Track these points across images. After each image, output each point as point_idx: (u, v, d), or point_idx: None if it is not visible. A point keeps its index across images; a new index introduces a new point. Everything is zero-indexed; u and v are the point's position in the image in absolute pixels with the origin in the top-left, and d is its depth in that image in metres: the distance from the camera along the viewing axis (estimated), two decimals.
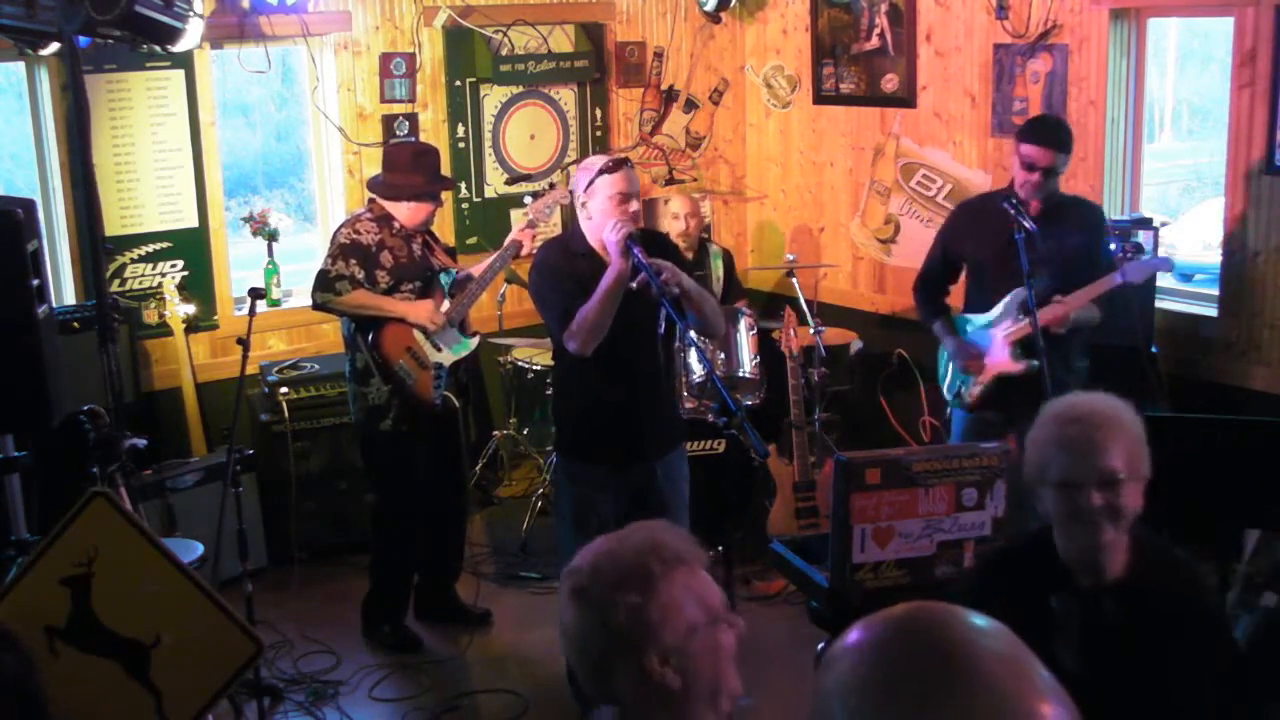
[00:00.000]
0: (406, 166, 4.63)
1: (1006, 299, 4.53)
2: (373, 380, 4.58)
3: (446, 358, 4.68)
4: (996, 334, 4.60)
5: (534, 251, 4.99)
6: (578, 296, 3.78)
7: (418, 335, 4.61)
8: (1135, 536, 2.40)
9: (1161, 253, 5.32)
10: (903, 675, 0.96)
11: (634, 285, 3.69)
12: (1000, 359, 4.59)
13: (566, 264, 3.87)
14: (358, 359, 4.62)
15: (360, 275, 4.52)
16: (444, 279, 4.71)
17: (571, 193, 3.97)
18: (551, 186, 5.56)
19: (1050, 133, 4.44)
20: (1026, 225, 4.26)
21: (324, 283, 4.52)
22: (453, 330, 4.68)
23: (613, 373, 3.85)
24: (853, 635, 1.03)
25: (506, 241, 4.77)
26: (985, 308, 4.64)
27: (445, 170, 6.20)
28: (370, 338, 4.56)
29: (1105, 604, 2.37)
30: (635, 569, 1.74)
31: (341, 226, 4.65)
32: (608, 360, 3.82)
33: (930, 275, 4.85)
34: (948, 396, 4.83)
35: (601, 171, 3.79)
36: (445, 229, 6.27)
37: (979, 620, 1.01)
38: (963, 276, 4.85)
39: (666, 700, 1.74)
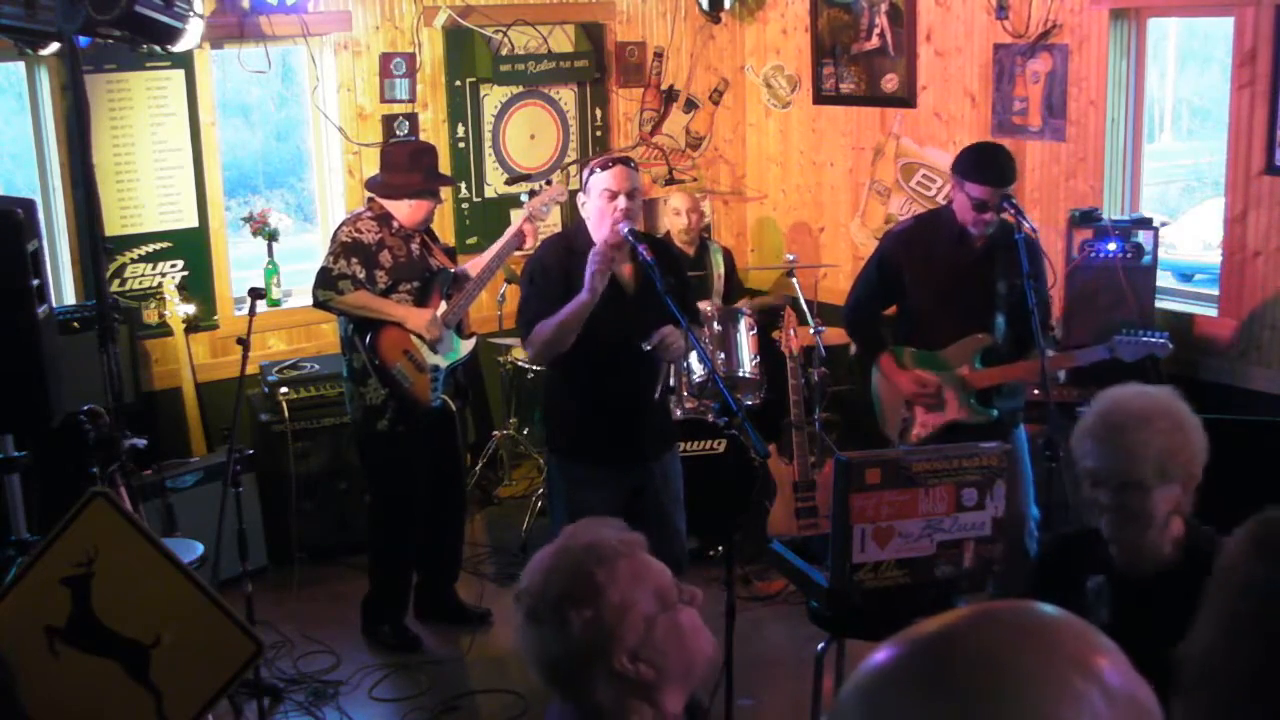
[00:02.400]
0: (405, 165, 4.63)
1: (969, 340, 4.29)
2: (370, 380, 4.58)
3: (444, 360, 4.67)
4: (948, 378, 4.36)
5: (531, 249, 5.00)
6: (548, 306, 3.83)
7: (415, 339, 4.60)
8: (1191, 530, 2.42)
9: (1162, 253, 5.32)
10: (944, 676, 0.96)
11: (632, 306, 3.77)
12: (954, 407, 4.36)
13: (563, 264, 3.87)
14: (355, 359, 4.61)
15: (361, 274, 4.51)
16: (442, 278, 4.70)
17: (574, 191, 3.99)
18: (548, 184, 5.55)
19: (1002, 171, 4.19)
20: (1026, 226, 4.17)
21: (326, 280, 4.52)
22: (450, 332, 4.68)
23: (606, 372, 3.85)
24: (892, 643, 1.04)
25: (509, 233, 4.76)
26: (932, 342, 4.39)
27: (445, 170, 6.21)
28: (368, 340, 4.55)
29: (1142, 594, 2.39)
30: (579, 579, 1.74)
31: (342, 225, 4.65)
32: (602, 360, 3.82)
33: (865, 302, 4.56)
34: (893, 435, 4.60)
35: (595, 169, 3.83)
36: (445, 229, 6.27)
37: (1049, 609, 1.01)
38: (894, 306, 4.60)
39: (644, 691, 1.76)
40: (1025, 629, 0.93)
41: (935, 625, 0.96)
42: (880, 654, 0.97)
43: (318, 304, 4.60)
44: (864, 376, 6.36)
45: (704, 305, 5.39)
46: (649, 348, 3.78)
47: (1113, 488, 2.35)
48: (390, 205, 4.62)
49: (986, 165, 4.20)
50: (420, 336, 4.59)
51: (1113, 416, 2.36)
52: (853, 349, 6.28)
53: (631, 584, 1.76)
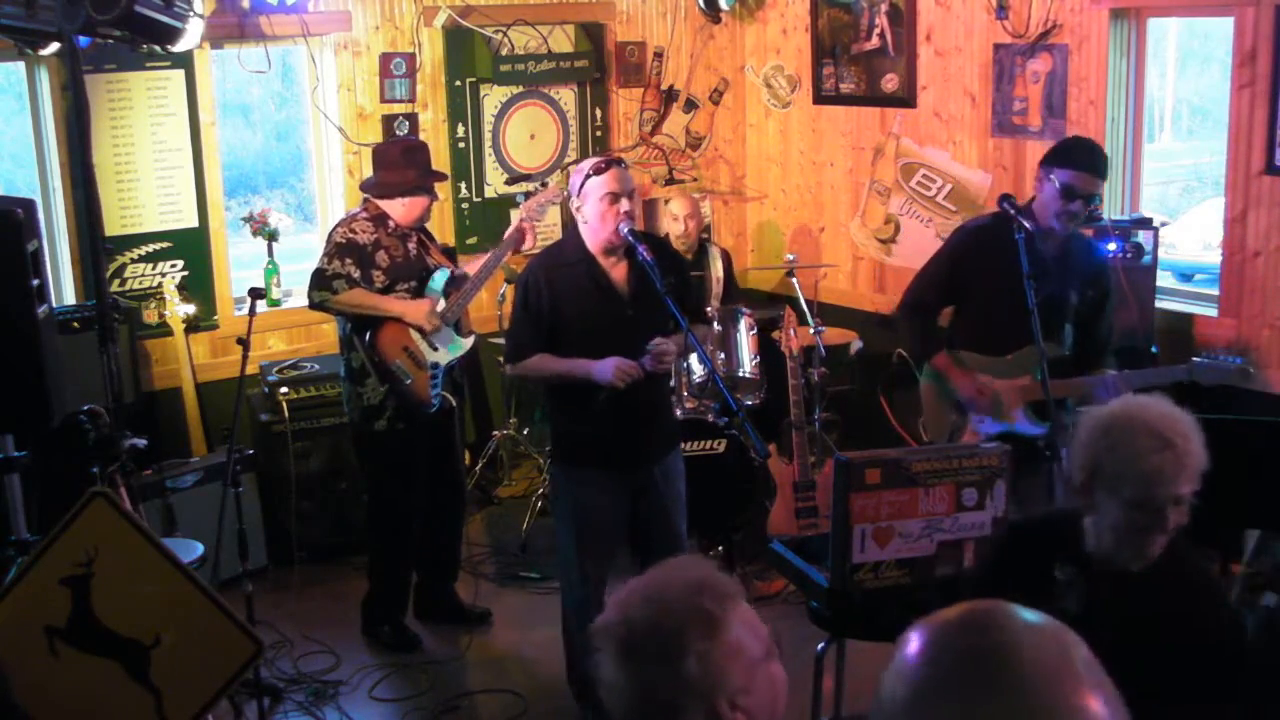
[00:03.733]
0: (398, 162, 4.63)
1: (1030, 350, 3.96)
2: (368, 380, 4.58)
3: (443, 357, 4.67)
4: (1008, 387, 4.17)
5: (532, 249, 5.00)
6: (533, 331, 3.88)
7: (414, 335, 4.60)
8: (1172, 535, 2.43)
9: (1162, 253, 5.32)
10: (947, 678, 0.97)
11: (630, 312, 3.81)
12: (1010, 416, 4.17)
13: (550, 281, 3.87)
14: (354, 359, 4.61)
15: (356, 274, 4.51)
16: (438, 278, 4.70)
17: (568, 196, 3.97)
18: (544, 185, 5.53)
19: (1094, 159, 4.05)
20: (1026, 225, 4.12)
21: (320, 281, 4.51)
22: (449, 330, 4.68)
23: None
24: (912, 640, 1.04)
25: (509, 233, 4.76)
26: (994, 349, 4.19)
27: (445, 170, 6.21)
28: (367, 337, 4.55)
29: (1115, 586, 2.40)
30: (696, 613, 1.65)
31: (337, 226, 4.65)
32: None
33: (927, 304, 4.36)
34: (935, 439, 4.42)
35: (591, 174, 3.80)
36: (445, 229, 6.28)
37: (1030, 617, 1.01)
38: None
39: None
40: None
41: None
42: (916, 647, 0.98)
43: (313, 305, 4.60)
44: (869, 380, 6.39)
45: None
46: (649, 368, 3.81)
47: (1171, 504, 2.33)
48: (385, 205, 4.62)
49: (1081, 151, 4.09)
50: (420, 331, 4.59)
51: (1170, 443, 2.32)
52: (850, 350, 6.29)
53: (743, 626, 1.68)
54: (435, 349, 4.65)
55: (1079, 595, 2.40)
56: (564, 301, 3.86)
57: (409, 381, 4.57)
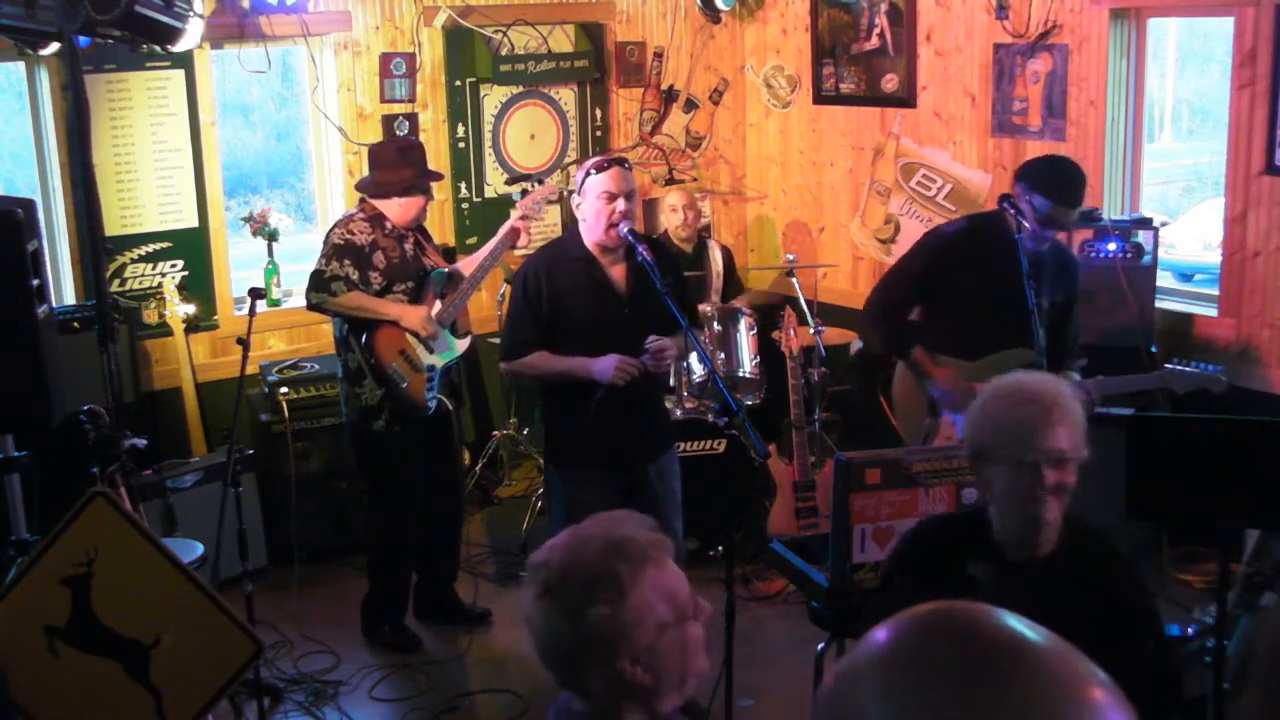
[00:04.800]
0: (394, 162, 4.63)
1: (1011, 354, 4.03)
2: (365, 381, 4.58)
3: (439, 360, 4.67)
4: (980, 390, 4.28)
5: (526, 249, 4.99)
6: (539, 326, 3.88)
7: (411, 337, 4.60)
8: (1068, 517, 2.48)
9: (1162, 253, 5.32)
10: (944, 673, 0.94)
11: (626, 310, 3.80)
12: None
13: (549, 277, 3.87)
14: (350, 360, 4.61)
15: (354, 276, 4.51)
16: (435, 277, 4.70)
17: (567, 193, 3.98)
18: (540, 183, 5.51)
19: (1079, 188, 4.11)
20: (1026, 225, 4.13)
21: (319, 283, 4.51)
22: (445, 332, 4.67)
23: None
24: (879, 637, 1.01)
25: (501, 232, 4.75)
26: (965, 353, 4.23)
27: (446, 170, 6.21)
28: (364, 340, 4.55)
29: (1028, 575, 2.44)
30: (605, 575, 1.74)
31: (335, 227, 4.64)
32: None
33: (897, 304, 4.39)
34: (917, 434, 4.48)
35: (590, 172, 3.81)
36: (445, 229, 6.28)
37: (1011, 617, 1.00)
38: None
39: (635, 694, 1.77)
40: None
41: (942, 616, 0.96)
42: (883, 633, 0.97)
43: (311, 307, 4.60)
44: (868, 380, 6.38)
45: (704, 307, 5.39)
46: (649, 365, 3.81)
47: (1050, 463, 2.39)
48: (382, 205, 4.61)
49: (1061, 184, 4.07)
50: (416, 335, 4.59)
51: (1035, 400, 2.41)
52: (850, 350, 6.29)
53: (654, 589, 1.76)
54: (431, 352, 4.65)
55: (993, 589, 2.43)
56: (563, 297, 3.86)
57: (405, 385, 4.57)
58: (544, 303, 3.87)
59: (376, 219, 4.60)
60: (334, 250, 4.52)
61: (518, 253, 5.36)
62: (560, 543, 1.81)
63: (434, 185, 4.95)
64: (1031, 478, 2.39)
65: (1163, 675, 2.56)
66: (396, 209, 4.61)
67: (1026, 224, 4.10)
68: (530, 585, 1.80)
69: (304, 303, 4.69)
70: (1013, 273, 3.96)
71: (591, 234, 3.84)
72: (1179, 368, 4.16)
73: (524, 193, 5.02)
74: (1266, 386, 5.00)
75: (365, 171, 5.72)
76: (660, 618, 1.76)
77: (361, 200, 4.70)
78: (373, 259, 4.55)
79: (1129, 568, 2.60)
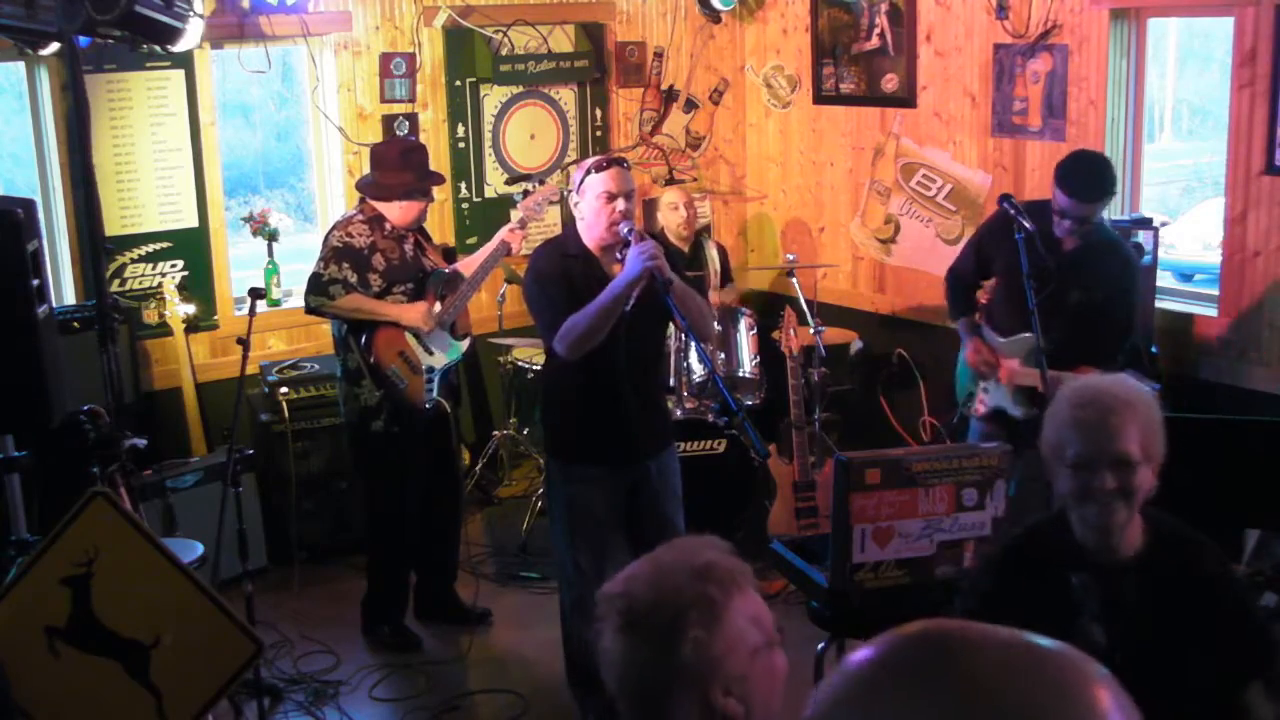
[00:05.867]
0: (396, 164, 4.62)
1: (1022, 338, 4.36)
2: (364, 381, 4.58)
3: (438, 360, 4.67)
4: (1004, 365, 4.52)
5: (523, 251, 4.98)
6: (570, 303, 3.76)
7: (410, 339, 4.60)
8: (1149, 516, 2.45)
9: (1162, 253, 5.32)
10: (898, 663, 0.93)
11: (626, 309, 3.72)
12: (1003, 395, 4.54)
13: (561, 268, 3.85)
14: (349, 360, 4.61)
15: (353, 278, 4.51)
16: (435, 278, 4.70)
17: (566, 192, 3.97)
18: (541, 183, 5.50)
19: (1096, 184, 4.18)
20: (1026, 225, 4.16)
21: (317, 286, 4.52)
22: (444, 334, 4.67)
23: (603, 372, 3.84)
24: (856, 658, 0.98)
25: (494, 241, 4.74)
26: (1009, 328, 4.53)
27: (445, 170, 6.21)
28: (363, 341, 4.56)
29: (1123, 581, 2.41)
30: (697, 599, 1.64)
31: (333, 229, 4.64)
32: (598, 359, 3.80)
33: (961, 272, 4.76)
34: (959, 398, 4.79)
35: (590, 171, 3.80)
36: (445, 229, 6.28)
37: (992, 627, 0.98)
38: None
39: None
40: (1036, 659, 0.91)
41: (923, 630, 0.94)
42: (866, 651, 0.95)
43: (310, 310, 4.60)
44: (868, 380, 6.39)
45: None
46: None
47: (1107, 466, 2.36)
48: (382, 206, 4.61)
49: (1078, 178, 4.20)
50: (415, 334, 4.59)
51: (1097, 402, 2.39)
52: (850, 350, 6.29)
53: (743, 614, 1.68)
54: (431, 353, 4.64)
55: (1097, 596, 2.41)
56: (576, 292, 3.84)
57: (404, 386, 4.57)
58: (561, 289, 3.83)
59: (376, 220, 4.60)
60: (332, 253, 4.52)
61: (522, 253, 5.36)
62: (639, 573, 1.70)
63: (436, 186, 4.94)
64: (1090, 480, 2.37)
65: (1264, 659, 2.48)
66: (397, 211, 4.60)
67: (1026, 224, 4.13)
68: (607, 619, 1.68)
69: (304, 304, 4.69)
70: (1043, 261, 4.16)
71: (591, 233, 3.83)
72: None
73: (525, 193, 5.01)
74: (1267, 386, 4.99)
75: (365, 171, 5.74)
76: (752, 644, 1.67)
77: (361, 201, 4.69)
78: (372, 261, 4.55)
79: (1221, 570, 2.55)
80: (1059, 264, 4.25)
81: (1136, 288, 4.46)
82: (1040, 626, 0.94)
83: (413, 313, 4.57)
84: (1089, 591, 2.41)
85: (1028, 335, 4.27)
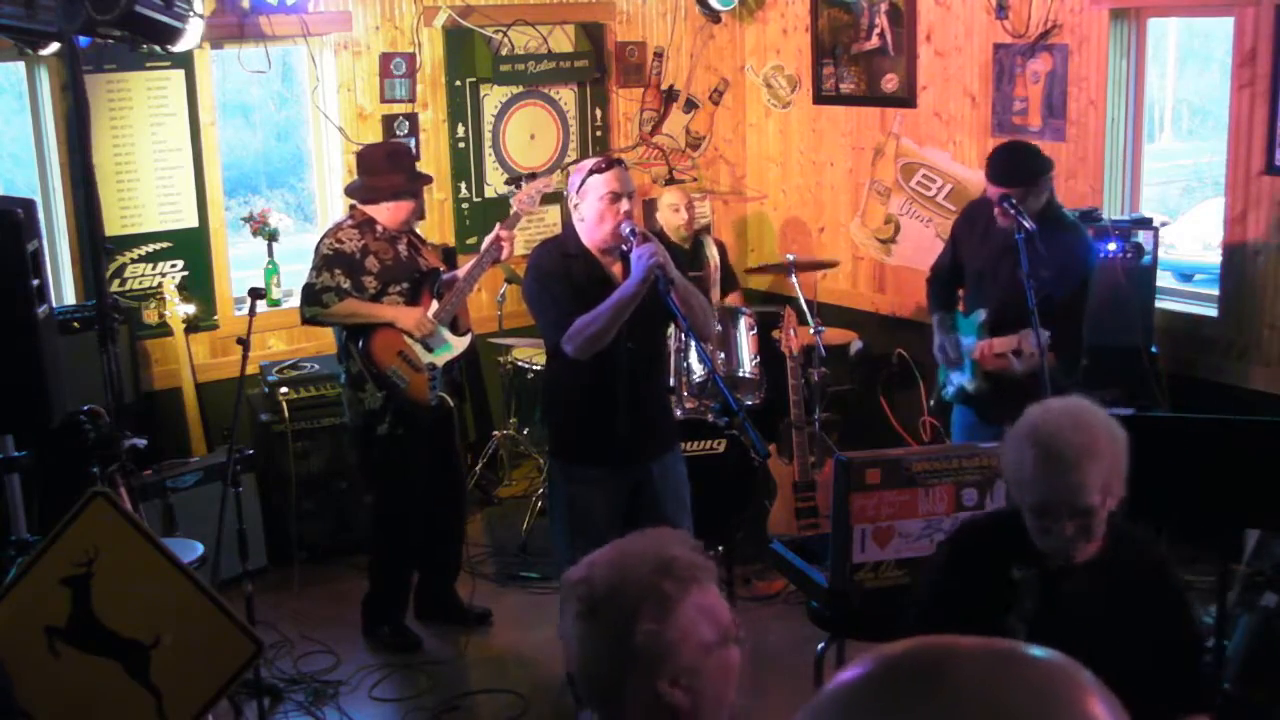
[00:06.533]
0: (383, 167, 4.63)
1: (977, 314, 4.48)
2: (367, 385, 4.59)
3: (439, 358, 4.67)
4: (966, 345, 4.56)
5: (514, 253, 4.98)
6: (573, 301, 3.77)
7: (408, 338, 4.60)
8: (1110, 524, 2.45)
9: (1162, 253, 5.31)
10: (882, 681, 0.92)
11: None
12: (963, 374, 4.59)
13: (563, 267, 3.86)
14: (352, 365, 4.63)
15: (346, 284, 4.52)
16: (436, 280, 4.70)
17: (564, 194, 3.96)
18: (533, 177, 5.47)
19: (1006, 172, 4.29)
20: (1026, 225, 4.16)
21: (310, 296, 4.54)
22: (443, 330, 4.67)
23: (605, 372, 3.84)
24: (846, 676, 0.95)
25: (486, 243, 4.73)
26: (969, 310, 4.62)
27: (445, 170, 6.21)
28: (360, 345, 4.57)
29: (1071, 580, 2.43)
30: (651, 592, 1.71)
31: (324, 237, 4.65)
32: (601, 360, 3.80)
33: (940, 269, 4.81)
34: (942, 388, 4.80)
35: (591, 172, 3.79)
36: (445, 229, 6.28)
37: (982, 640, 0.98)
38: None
39: (672, 717, 1.73)
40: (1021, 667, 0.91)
41: (911, 646, 0.94)
42: (852, 670, 0.94)
43: (306, 321, 4.63)
44: (869, 380, 6.39)
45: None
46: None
47: (1067, 516, 2.37)
48: (371, 209, 4.62)
49: (998, 167, 4.35)
50: (412, 335, 4.60)
51: (1060, 455, 2.34)
52: (850, 350, 6.29)
53: (699, 609, 1.74)
54: (430, 350, 4.65)
55: (1034, 593, 2.42)
56: (578, 291, 3.83)
57: (406, 385, 4.58)
58: (563, 288, 3.83)
59: (366, 224, 4.61)
60: (324, 261, 4.54)
61: (519, 253, 5.36)
62: (602, 560, 1.78)
63: (429, 186, 4.93)
64: (1050, 525, 2.38)
65: (1195, 678, 2.54)
66: (386, 213, 4.61)
67: (1027, 224, 4.13)
68: (569, 603, 1.76)
69: (300, 315, 4.69)
70: (996, 247, 4.33)
71: (593, 234, 3.83)
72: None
73: (518, 185, 4.98)
74: (1267, 386, 4.99)
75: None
76: (704, 639, 1.73)
77: (352, 206, 4.71)
78: (365, 264, 4.56)
79: (1169, 573, 2.57)
80: (1007, 246, 4.27)
81: (1088, 269, 4.40)
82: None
83: (409, 316, 4.57)
84: (1028, 587, 2.43)
85: (978, 311, 4.47)
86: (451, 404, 4.77)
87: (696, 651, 1.72)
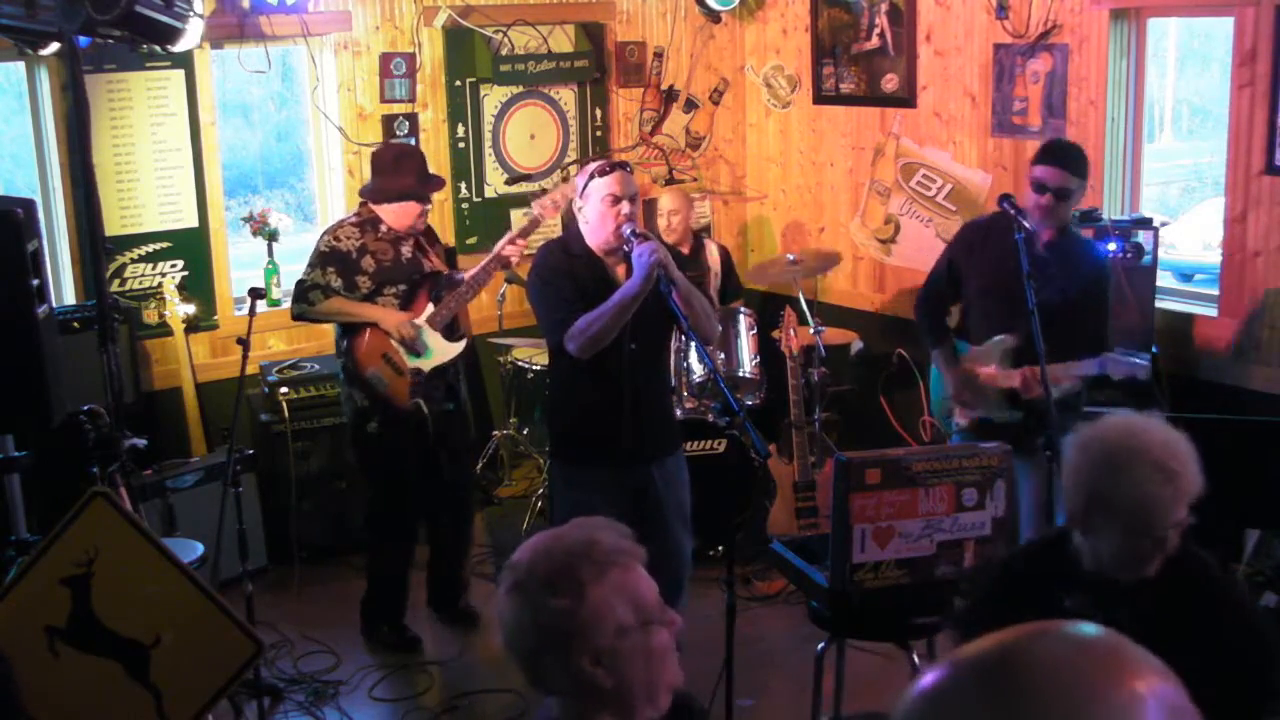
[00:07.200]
0: (391, 169, 4.64)
1: (996, 341, 4.31)
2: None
3: (424, 363, 4.65)
4: (983, 374, 4.40)
5: (521, 262, 4.97)
6: (577, 300, 3.78)
7: (395, 341, 4.60)
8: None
9: (1162, 253, 5.32)
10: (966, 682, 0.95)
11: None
12: (983, 403, 4.41)
13: (566, 266, 3.86)
14: (347, 363, 4.65)
15: (336, 283, 4.53)
16: (431, 282, 4.71)
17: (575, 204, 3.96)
18: (566, 179, 5.42)
19: (1062, 154, 4.26)
20: (1026, 225, 4.15)
21: (299, 293, 4.58)
22: (428, 335, 4.65)
23: (607, 373, 3.84)
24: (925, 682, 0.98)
25: (496, 249, 4.72)
26: (981, 337, 4.43)
27: (445, 170, 6.21)
28: (345, 344, 4.58)
29: (1123, 607, 2.37)
30: (566, 571, 1.81)
31: (324, 234, 4.67)
32: (603, 361, 3.81)
33: (933, 294, 4.61)
34: (938, 420, 4.77)
35: (595, 175, 3.80)
36: (445, 229, 6.27)
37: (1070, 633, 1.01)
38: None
39: (601, 697, 1.82)
40: (1085, 647, 0.93)
41: (990, 644, 0.96)
42: (933, 674, 0.96)
43: (295, 317, 4.67)
44: (869, 380, 6.38)
45: None
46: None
47: (1150, 540, 2.35)
48: (379, 209, 4.63)
49: (1049, 148, 4.33)
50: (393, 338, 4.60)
51: (1169, 481, 2.33)
52: (850, 350, 6.29)
53: (617, 591, 1.82)
54: (418, 355, 4.63)
55: (1091, 620, 2.39)
56: (581, 290, 3.83)
57: (383, 388, 4.59)
58: (565, 283, 3.83)
59: (370, 222, 4.62)
60: (318, 258, 4.57)
61: (517, 264, 5.35)
62: (534, 543, 1.89)
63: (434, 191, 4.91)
64: (1154, 545, 2.36)
65: (1260, 705, 2.47)
66: (391, 214, 4.62)
67: (1026, 224, 4.12)
68: (503, 581, 1.88)
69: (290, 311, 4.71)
70: (1011, 265, 4.07)
71: (595, 236, 3.83)
72: (1116, 355, 4.22)
73: (544, 191, 4.97)
74: (1267, 386, 4.99)
75: (365, 171, 5.75)
76: (620, 620, 1.81)
77: (362, 203, 4.72)
78: (360, 263, 4.57)
79: (1232, 595, 2.54)
80: (1034, 261, 4.21)
81: (1108, 291, 4.39)
82: None
83: (391, 319, 4.58)
84: (1083, 614, 2.39)
85: (1000, 338, 4.28)
86: (426, 410, 4.67)
87: (612, 633, 1.80)
